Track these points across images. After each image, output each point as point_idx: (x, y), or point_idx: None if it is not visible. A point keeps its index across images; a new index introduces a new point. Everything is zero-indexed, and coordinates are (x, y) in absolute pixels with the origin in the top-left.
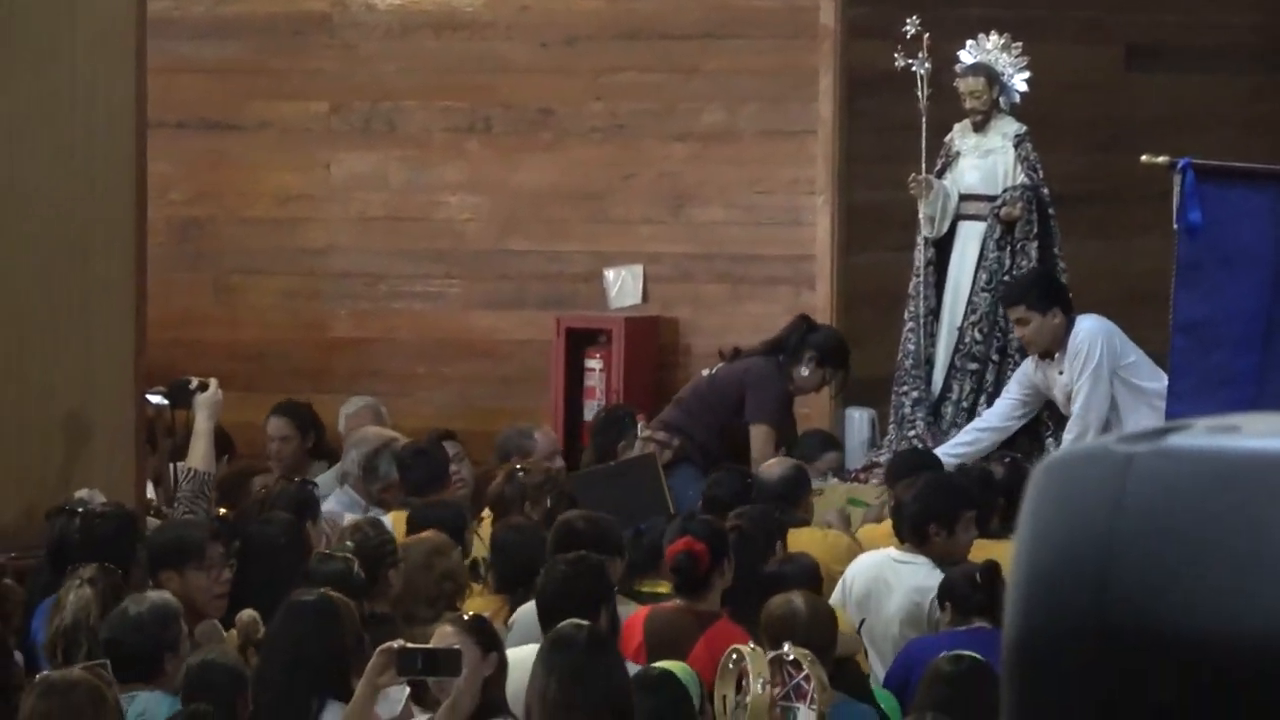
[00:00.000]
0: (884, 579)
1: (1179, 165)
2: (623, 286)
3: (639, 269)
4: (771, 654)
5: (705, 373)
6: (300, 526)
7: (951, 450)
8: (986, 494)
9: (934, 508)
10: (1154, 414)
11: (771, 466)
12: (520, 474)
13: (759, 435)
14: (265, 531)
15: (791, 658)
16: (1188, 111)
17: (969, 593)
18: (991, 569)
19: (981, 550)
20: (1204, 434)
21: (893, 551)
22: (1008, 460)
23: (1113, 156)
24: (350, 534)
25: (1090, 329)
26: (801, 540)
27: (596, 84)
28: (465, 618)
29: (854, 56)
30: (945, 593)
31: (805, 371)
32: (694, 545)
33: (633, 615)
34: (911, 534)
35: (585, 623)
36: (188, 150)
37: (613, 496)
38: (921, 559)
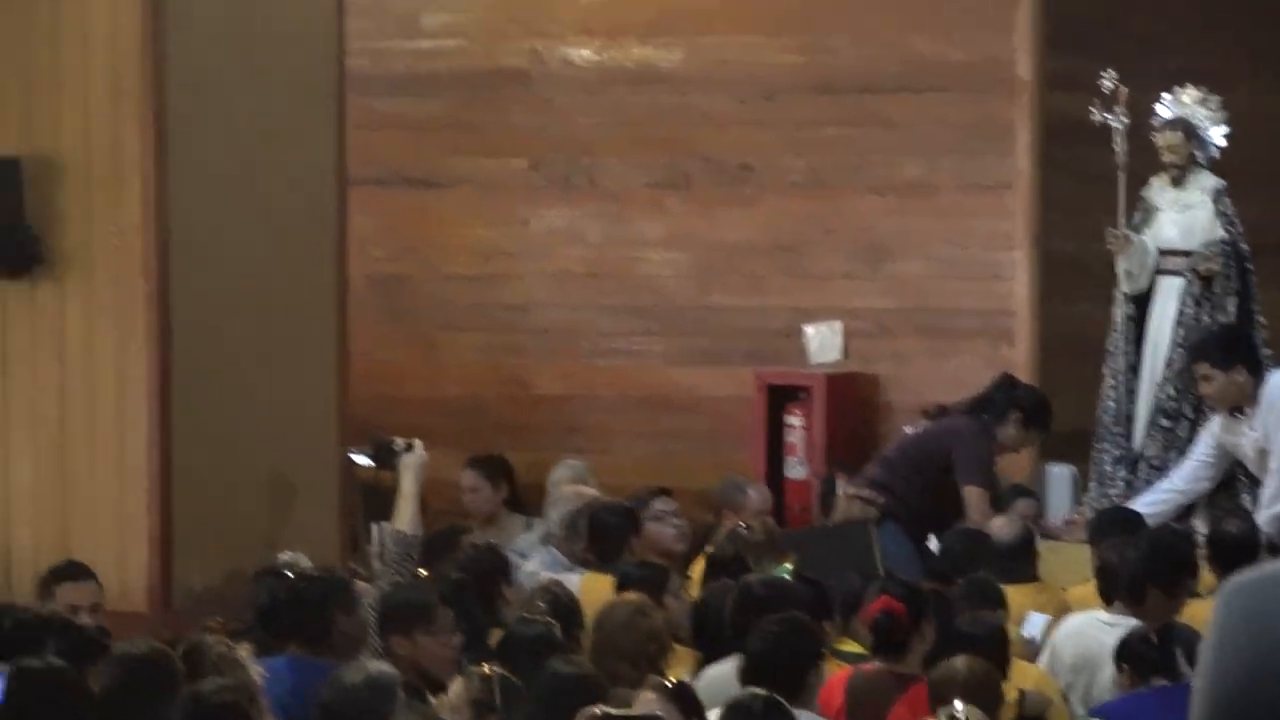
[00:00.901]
0: (1096, 644)
1: None
2: (823, 342)
3: (838, 324)
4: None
5: (909, 430)
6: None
7: (1141, 512)
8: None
9: (1157, 569)
10: None
11: (1002, 527)
12: (743, 530)
13: (974, 496)
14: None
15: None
16: None
17: (1146, 652)
18: (1167, 627)
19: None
20: None
21: (1101, 614)
22: (1239, 515)
23: None
24: (541, 595)
25: None
26: (1022, 598)
27: (794, 138)
28: (668, 684)
29: (1051, 108)
30: (1122, 654)
31: (1010, 431)
32: (892, 605)
33: (834, 676)
34: (1129, 595)
35: (764, 692)
36: (388, 206)
37: (824, 556)
38: (1132, 621)
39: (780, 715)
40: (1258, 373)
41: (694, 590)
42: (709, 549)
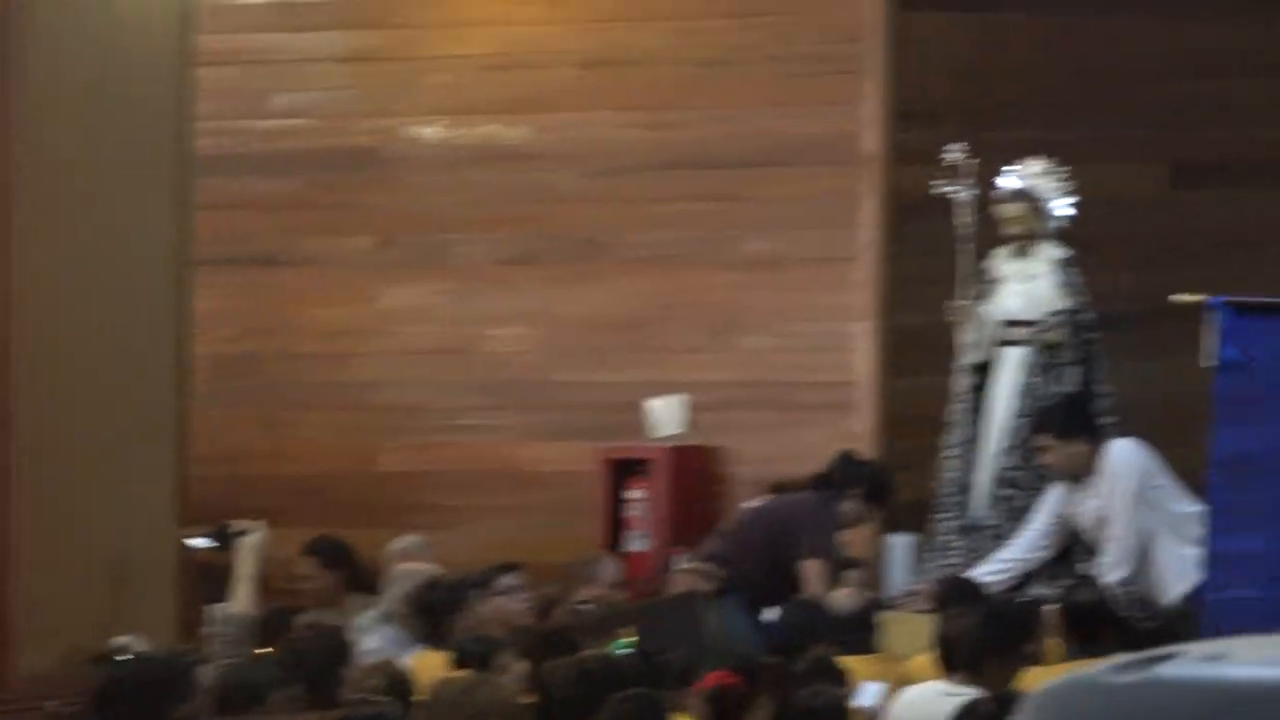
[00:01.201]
0: (934, 714)
1: (1211, 304)
2: (666, 416)
3: (683, 399)
4: None
5: (748, 505)
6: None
7: (981, 580)
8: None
9: (994, 637)
10: (1176, 539)
11: (843, 598)
12: (581, 606)
13: (814, 569)
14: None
15: None
16: (1236, 229)
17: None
18: (1004, 696)
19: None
20: (1193, 663)
21: (941, 685)
22: (1087, 583)
23: (1161, 276)
24: (373, 674)
25: (1123, 452)
26: (863, 669)
27: (641, 213)
28: None
29: (898, 181)
30: None
31: (850, 506)
32: (726, 679)
33: None
34: (967, 664)
35: None
36: (237, 286)
37: (659, 630)
38: (971, 691)
39: None
40: (1098, 442)
41: None
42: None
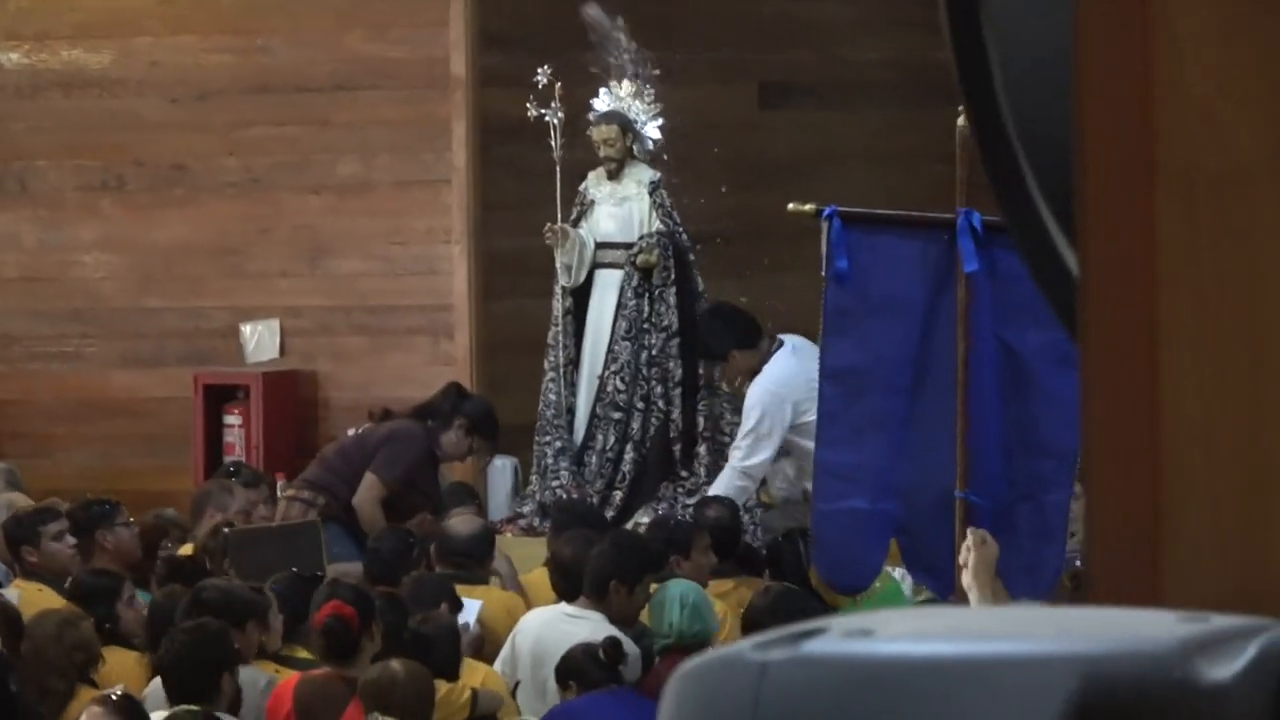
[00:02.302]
0: (555, 637)
1: (825, 213)
2: (259, 341)
3: (275, 323)
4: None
5: (351, 432)
6: None
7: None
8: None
9: (622, 566)
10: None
11: (459, 524)
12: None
13: (368, 483)
14: None
15: None
16: (821, 148)
17: (591, 668)
18: (613, 643)
19: None
20: (838, 639)
21: (565, 607)
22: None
23: (751, 195)
24: None
25: (761, 393)
26: (480, 598)
27: (229, 139)
28: (115, 697)
29: (487, 105)
30: (569, 671)
31: (454, 438)
32: (342, 609)
33: (282, 683)
34: (592, 589)
35: (197, 709)
36: None
37: (268, 557)
38: (596, 615)
39: None
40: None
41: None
42: (183, 550)
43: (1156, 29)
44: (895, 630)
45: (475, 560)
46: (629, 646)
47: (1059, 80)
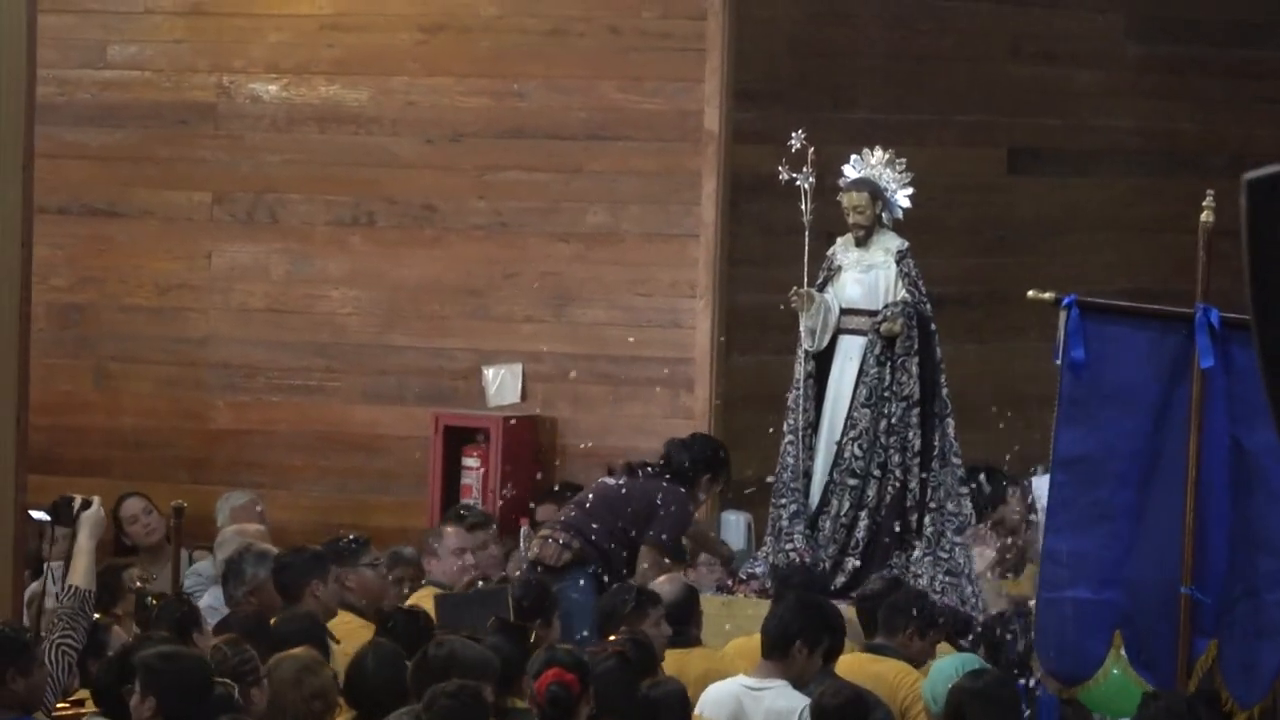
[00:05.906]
0: (741, 711)
1: (1064, 302)
2: (501, 384)
3: (518, 367)
4: None
5: (611, 481)
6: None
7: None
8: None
9: (806, 626)
10: None
11: (662, 584)
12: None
13: (650, 557)
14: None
15: None
16: (1066, 214)
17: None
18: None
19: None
20: None
21: (743, 679)
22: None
23: (994, 259)
24: (212, 655)
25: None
26: (690, 660)
27: (480, 181)
28: None
29: (738, 160)
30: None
31: (705, 493)
32: (564, 676)
33: None
34: (774, 649)
35: None
36: (71, 236)
37: (469, 619)
38: (778, 682)
39: None
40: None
41: None
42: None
43: None
44: None
45: (680, 622)
46: None
47: None
